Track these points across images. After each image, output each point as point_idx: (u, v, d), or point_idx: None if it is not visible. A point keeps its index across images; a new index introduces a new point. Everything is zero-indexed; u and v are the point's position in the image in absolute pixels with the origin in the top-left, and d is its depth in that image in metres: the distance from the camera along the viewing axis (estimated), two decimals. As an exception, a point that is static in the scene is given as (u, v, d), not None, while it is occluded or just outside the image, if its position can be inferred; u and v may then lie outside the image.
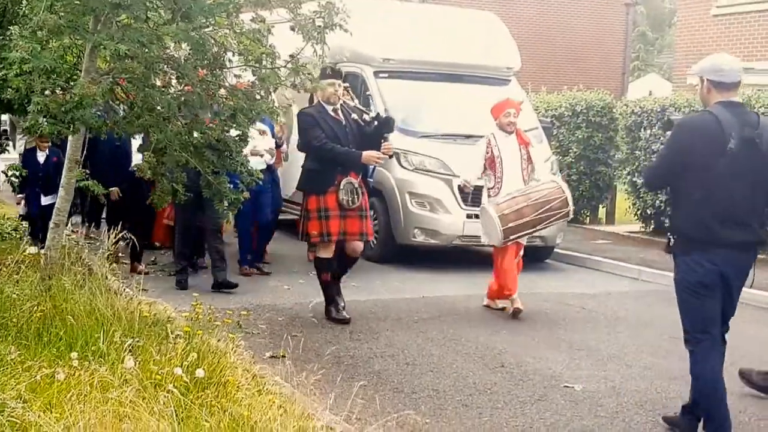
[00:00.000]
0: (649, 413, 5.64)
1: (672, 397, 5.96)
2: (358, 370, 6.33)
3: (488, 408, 5.64)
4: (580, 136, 14.92)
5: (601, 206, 15.71)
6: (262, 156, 9.44)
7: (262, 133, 9.50)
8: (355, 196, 7.54)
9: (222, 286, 8.70)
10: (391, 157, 7.97)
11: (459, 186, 8.59)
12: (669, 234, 5.07)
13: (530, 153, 8.45)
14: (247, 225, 9.68)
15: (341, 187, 7.49)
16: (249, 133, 7.19)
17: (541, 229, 8.26)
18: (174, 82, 6.42)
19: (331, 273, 7.74)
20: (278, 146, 10.24)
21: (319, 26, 6.31)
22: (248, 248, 9.80)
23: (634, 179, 13.72)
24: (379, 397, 5.69)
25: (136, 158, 6.66)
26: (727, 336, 5.09)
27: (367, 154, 7.55)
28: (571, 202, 8.12)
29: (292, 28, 6.43)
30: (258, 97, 6.22)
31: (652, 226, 13.89)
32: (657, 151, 13.20)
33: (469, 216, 10.54)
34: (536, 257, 11.41)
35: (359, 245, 7.78)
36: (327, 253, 7.68)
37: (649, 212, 13.71)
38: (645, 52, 56.71)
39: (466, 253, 11.57)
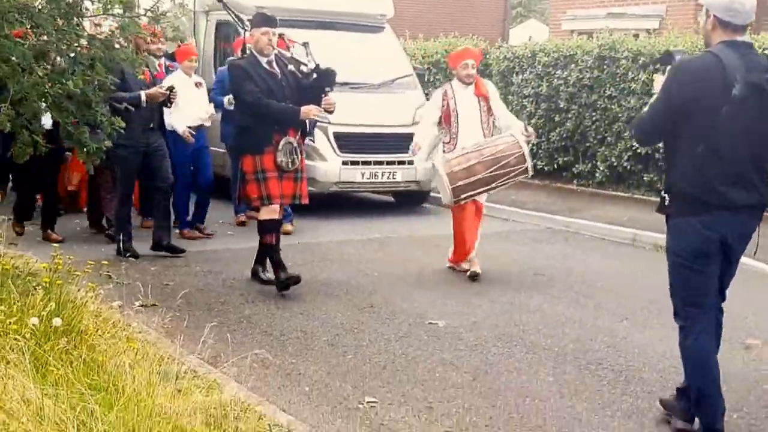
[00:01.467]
0: (506, 345, 5.91)
1: (529, 330, 6.26)
2: (228, 316, 6.43)
3: (353, 346, 5.82)
4: (456, 83, 15.16)
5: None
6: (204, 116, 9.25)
7: (198, 85, 9.28)
8: (295, 157, 6.99)
9: (168, 249, 8.30)
10: (331, 112, 7.27)
11: (411, 149, 8.00)
12: (663, 193, 4.41)
13: (491, 105, 7.81)
14: (186, 186, 9.22)
15: (279, 147, 6.90)
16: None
17: (495, 187, 7.63)
18: (30, 32, 6.29)
19: (272, 233, 7.19)
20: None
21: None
22: (186, 210, 9.41)
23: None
24: (248, 340, 5.83)
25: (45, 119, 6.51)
26: (723, 306, 4.62)
27: (306, 109, 6.91)
28: (529, 158, 7.51)
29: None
30: (117, 46, 6.14)
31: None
32: (529, 95, 13.59)
33: (345, 163, 10.69)
34: (412, 201, 11.67)
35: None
36: (272, 213, 7.14)
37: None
38: (527, -2, 57.52)
39: (345, 199, 11.70)
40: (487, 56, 15.01)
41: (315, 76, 7.03)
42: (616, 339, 6.07)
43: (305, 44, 7.34)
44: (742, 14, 4.17)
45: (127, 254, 8.13)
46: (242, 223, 9.84)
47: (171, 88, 8.09)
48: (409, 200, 11.74)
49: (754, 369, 5.52)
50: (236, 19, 9.27)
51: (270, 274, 7.24)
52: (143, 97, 7.90)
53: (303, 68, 7.10)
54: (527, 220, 10.74)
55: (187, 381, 4.56)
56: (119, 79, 7.53)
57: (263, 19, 7.10)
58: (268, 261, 7.29)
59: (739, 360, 5.69)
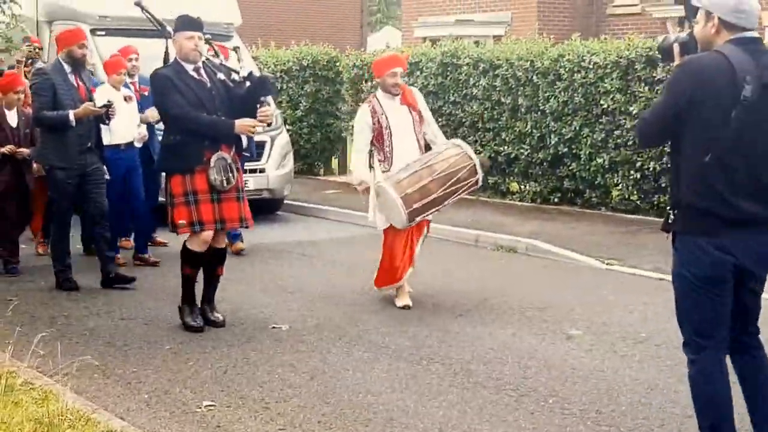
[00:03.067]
0: (346, 345, 6.15)
1: (369, 330, 6.51)
2: (71, 329, 6.46)
3: (196, 353, 5.94)
4: (308, 90, 15.39)
5: (333, 158, 16.31)
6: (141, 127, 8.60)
7: (127, 99, 8.51)
8: (230, 175, 6.28)
9: (116, 281, 7.68)
10: (269, 124, 6.72)
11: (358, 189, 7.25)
12: (669, 209, 3.95)
13: (422, 114, 7.20)
14: (119, 211, 8.43)
15: (212, 164, 6.22)
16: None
17: (447, 204, 7.08)
18: None
19: (195, 267, 6.51)
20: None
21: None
22: (122, 233, 8.79)
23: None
24: (89, 351, 5.87)
25: None
26: (762, 339, 4.09)
27: (241, 123, 6.22)
28: (480, 170, 7.00)
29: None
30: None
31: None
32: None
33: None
34: (266, 209, 11.81)
35: (222, 237, 6.64)
36: (199, 245, 6.38)
37: (375, 161, 14.44)
38: (386, 4, 58.33)
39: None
40: (338, 64, 15.30)
41: (248, 84, 6.34)
42: (449, 335, 6.39)
43: (235, 49, 6.88)
44: (751, 15, 3.77)
45: (68, 286, 7.53)
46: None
47: (108, 105, 7.43)
48: (263, 209, 11.87)
49: (573, 358, 5.92)
50: (156, 23, 8.44)
51: (200, 319, 6.48)
52: (71, 117, 7.26)
53: (234, 76, 6.39)
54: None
55: (23, 393, 4.62)
56: (49, 96, 7.28)
57: (187, 23, 6.47)
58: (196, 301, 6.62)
59: (562, 349, 6.09)
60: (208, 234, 6.33)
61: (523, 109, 12.00)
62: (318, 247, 9.82)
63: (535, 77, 11.78)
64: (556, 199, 11.92)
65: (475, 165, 6.93)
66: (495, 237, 9.95)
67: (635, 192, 11.03)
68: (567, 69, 11.39)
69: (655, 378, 5.49)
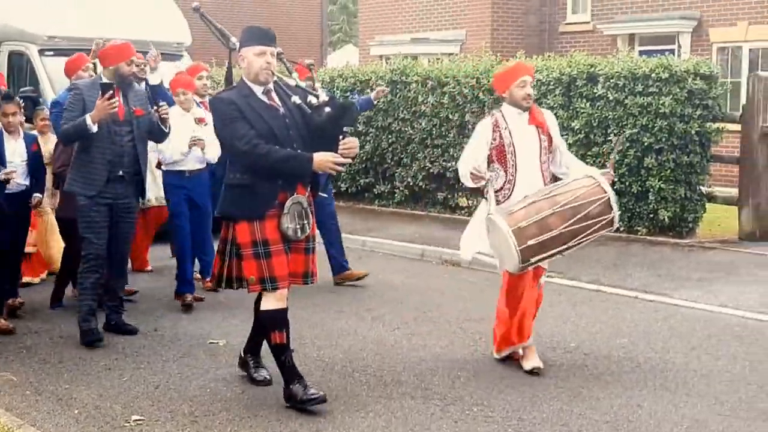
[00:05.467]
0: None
1: (306, 343, 6.59)
2: (8, 347, 6.47)
3: (130, 369, 5.99)
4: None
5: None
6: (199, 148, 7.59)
7: (199, 121, 7.70)
8: (305, 222, 5.22)
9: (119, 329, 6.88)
10: (354, 158, 5.55)
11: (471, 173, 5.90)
12: None
13: (552, 138, 6.00)
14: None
15: (285, 210, 5.15)
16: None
17: (574, 246, 5.72)
18: None
19: (283, 329, 5.30)
20: None
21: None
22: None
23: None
24: (24, 369, 5.91)
25: None
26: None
27: (321, 159, 5.08)
28: (616, 206, 5.69)
29: None
30: None
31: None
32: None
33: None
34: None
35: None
36: (278, 302, 5.26)
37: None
38: (348, 23, 58.61)
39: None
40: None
41: (328, 110, 5.16)
42: (384, 347, 6.49)
43: (310, 66, 6.10)
44: None
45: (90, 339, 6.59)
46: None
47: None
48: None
49: (503, 367, 6.03)
50: (217, 33, 6.97)
51: (314, 389, 5.29)
52: (88, 121, 6.37)
53: (312, 99, 5.21)
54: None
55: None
56: (77, 113, 6.47)
57: (257, 35, 5.25)
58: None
59: (493, 359, 6.20)
60: (283, 292, 5.28)
61: (470, 126, 12.12)
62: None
63: (481, 94, 11.96)
64: (503, 214, 12.06)
65: (608, 198, 5.63)
66: (440, 251, 10.08)
67: (579, 206, 11.20)
68: (512, 86, 11.56)
69: (579, 386, 5.62)
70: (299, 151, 5.15)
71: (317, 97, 5.18)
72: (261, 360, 5.78)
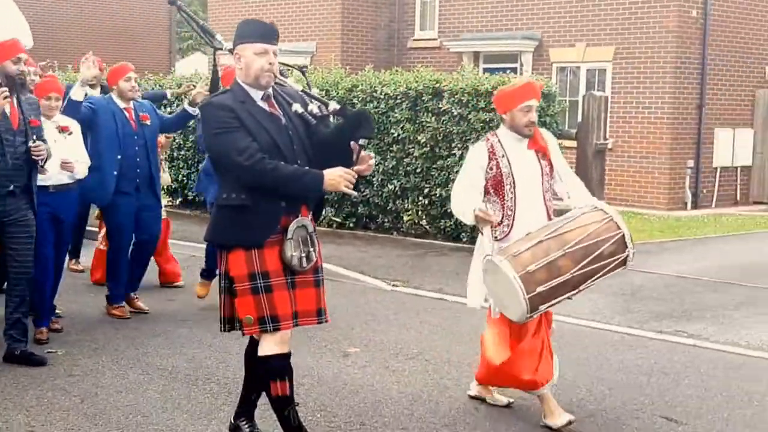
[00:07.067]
0: (122, 368, 6.14)
1: (148, 352, 6.52)
2: None
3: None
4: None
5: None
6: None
7: (62, 129, 6.66)
8: (311, 250, 4.42)
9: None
10: (372, 176, 4.78)
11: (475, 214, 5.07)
12: None
13: (553, 163, 5.31)
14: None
15: (289, 235, 4.33)
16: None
17: (584, 290, 5.02)
18: None
19: (285, 378, 4.49)
20: None
21: None
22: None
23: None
24: None
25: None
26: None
27: (333, 176, 4.26)
28: (630, 243, 4.95)
29: None
30: None
31: (179, 200, 14.66)
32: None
33: None
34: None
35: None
36: (280, 346, 4.42)
37: (174, 186, 14.36)
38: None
39: None
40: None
41: (338, 120, 4.50)
42: (230, 356, 6.48)
43: (302, 69, 5.48)
44: None
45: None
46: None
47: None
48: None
49: (346, 374, 6.15)
50: (198, 29, 6.20)
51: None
52: None
53: (313, 107, 4.44)
54: (195, 252, 11.01)
55: None
56: None
57: (257, 31, 4.35)
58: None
59: (337, 366, 6.30)
60: (285, 333, 4.44)
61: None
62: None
63: (330, 106, 12.08)
64: (351, 224, 12.25)
65: (623, 234, 4.92)
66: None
67: (424, 217, 11.51)
68: (360, 99, 11.80)
69: (420, 391, 5.79)
70: (305, 166, 4.33)
71: (326, 104, 4.46)
72: (256, 426, 4.78)
